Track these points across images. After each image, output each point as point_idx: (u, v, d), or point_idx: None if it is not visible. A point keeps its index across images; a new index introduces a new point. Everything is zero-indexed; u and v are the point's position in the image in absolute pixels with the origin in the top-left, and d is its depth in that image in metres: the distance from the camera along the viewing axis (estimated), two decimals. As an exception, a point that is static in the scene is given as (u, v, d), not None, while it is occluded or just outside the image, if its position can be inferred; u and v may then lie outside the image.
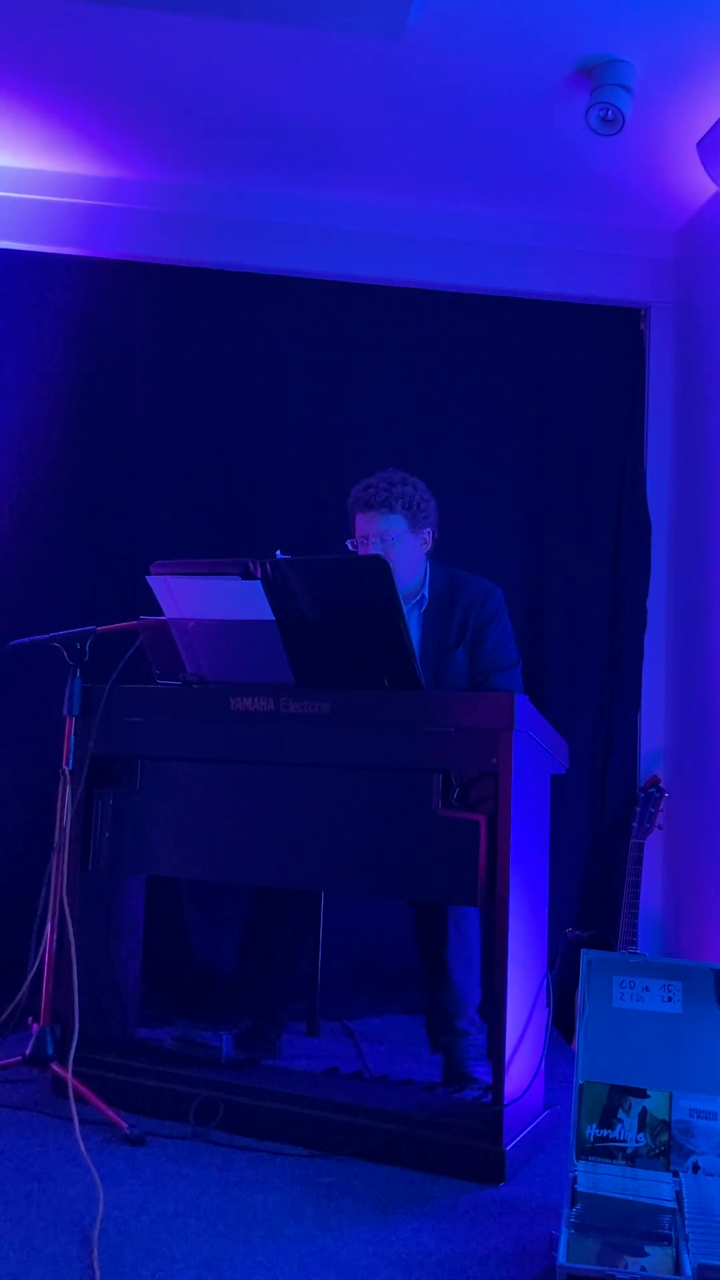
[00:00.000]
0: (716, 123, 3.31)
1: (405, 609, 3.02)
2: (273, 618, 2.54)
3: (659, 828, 3.70)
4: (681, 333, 4.02)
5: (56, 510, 3.82)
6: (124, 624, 2.78)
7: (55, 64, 3.29)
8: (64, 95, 3.44)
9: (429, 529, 3.12)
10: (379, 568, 2.47)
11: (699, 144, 3.38)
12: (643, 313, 4.11)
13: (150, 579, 2.64)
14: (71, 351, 3.88)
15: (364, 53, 3.16)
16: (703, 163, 3.38)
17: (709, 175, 3.41)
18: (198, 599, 2.62)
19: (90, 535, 3.82)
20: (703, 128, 3.38)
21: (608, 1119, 2.07)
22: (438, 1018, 2.93)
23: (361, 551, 3.05)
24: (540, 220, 4.01)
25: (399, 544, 3.04)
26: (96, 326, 3.91)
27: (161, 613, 2.68)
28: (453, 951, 2.89)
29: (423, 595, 3.11)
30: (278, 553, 2.53)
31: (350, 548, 3.09)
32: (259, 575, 2.51)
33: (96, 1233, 1.98)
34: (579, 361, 4.07)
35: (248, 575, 2.51)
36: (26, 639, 2.82)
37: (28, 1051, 2.61)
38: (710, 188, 3.62)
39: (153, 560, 2.70)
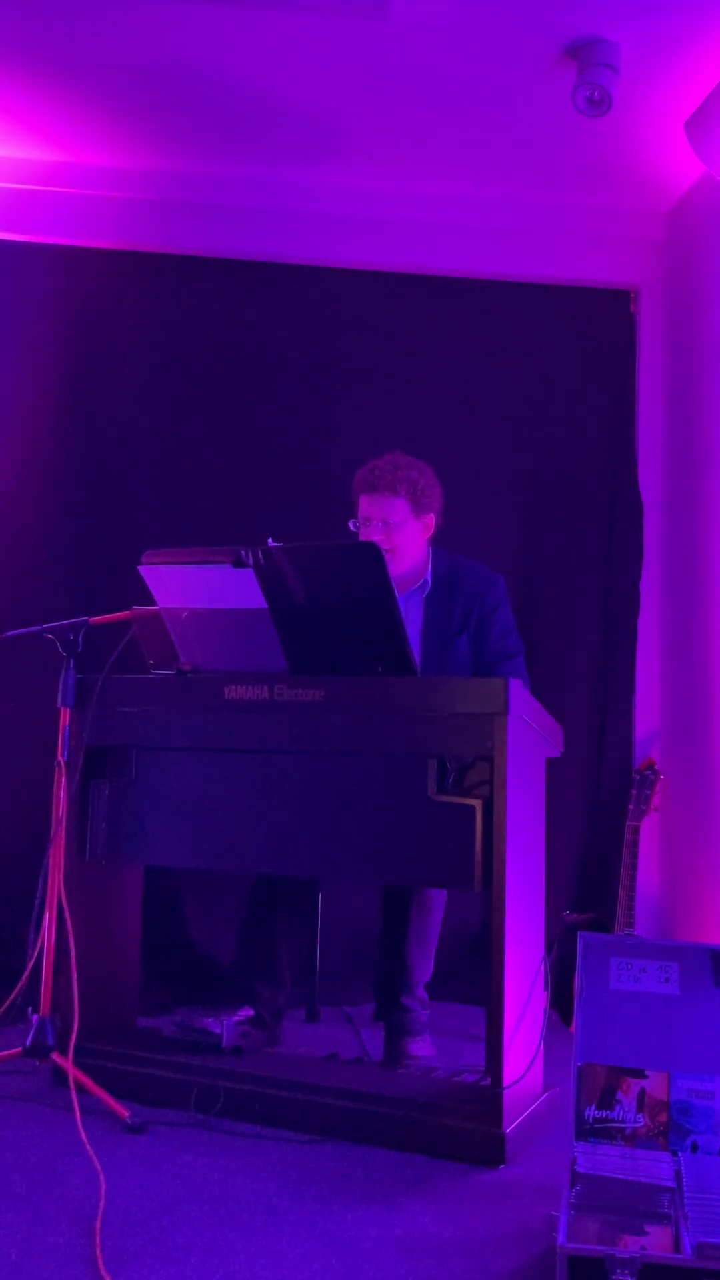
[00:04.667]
0: (704, 102, 3.30)
1: (407, 595, 3.04)
2: (265, 606, 2.53)
3: (655, 809, 3.70)
4: (671, 313, 4.02)
5: (50, 501, 3.81)
6: (116, 615, 2.77)
7: (39, 50, 3.27)
8: (48, 82, 3.42)
9: (433, 514, 3.11)
10: (371, 554, 2.47)
11: (686, 123, 3.37)
12: (632, 294, 4.11)
13: (142, 569, 2.63)
14: (61, 341, 3.87)
15: (350, 35, 3.14)
16: (690, 142, 3.37)
17: (697, 154, 3.39)
18: (190, 588, 2.61)
19: (84, 525, 3.82)
20: (690, 107, 3.37)
21: (606, 1100, 2.08)
22: (386, 990, 3.00)
23: (363, 533, 3.05)
24: (530, 202, 4.00)
25: (401, 527, 3.03)
26: (86, 316, 3.90)
27: (155, 602, 2.68)
28: (412, 931, 2.94)
29: (425, 581, 3.11)
30: (269, 540, 2.53)
31: (352, 529, 3.09)
32: (250, 563, 2.50)
33: (99, 1222, 1.98)
34: (569, 344, 4.06)
35: (239, 563, 2.51)
36: (19, 631, 2.81)
37: (28, 1042, 2.61)
38: (699, 167, 3.61)
39: (147, 549, 2.70)
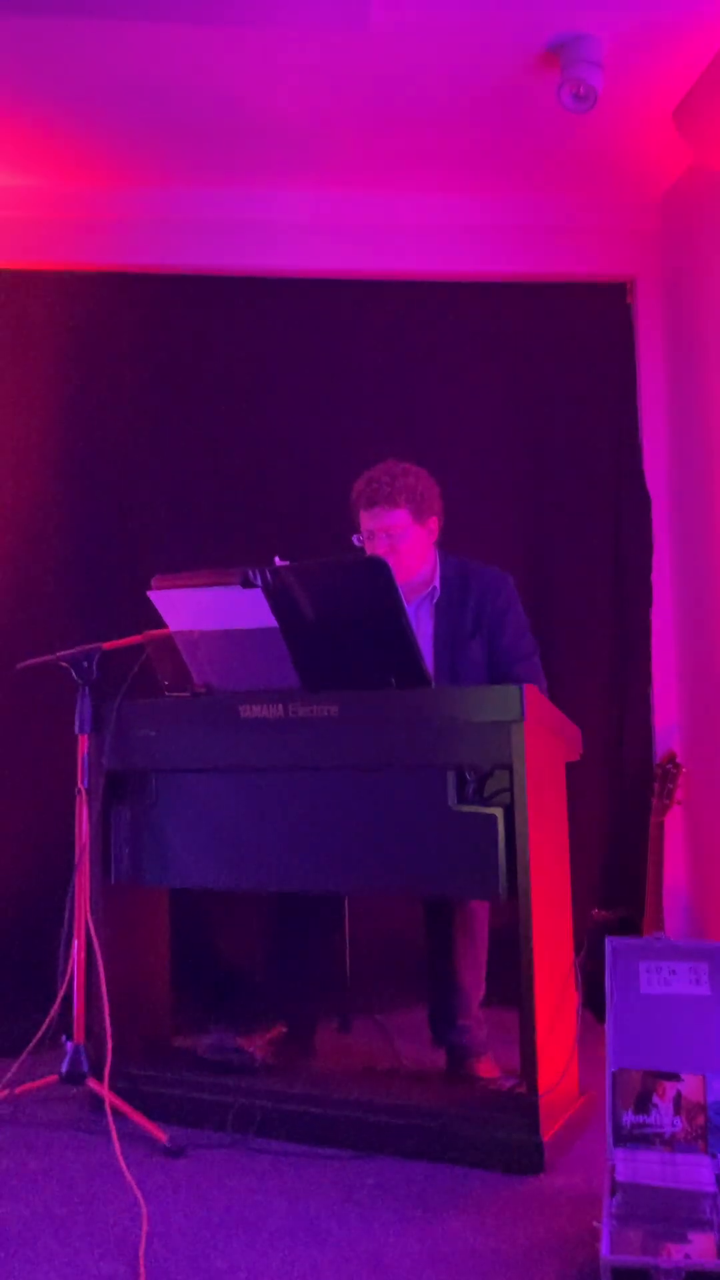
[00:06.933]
0: (691, 89, 3.28)
1: (417, 602, 3.04)
2: (275, 624, 2.53)
3: (679, 803, 3.69)
4: (669, 303, 4.00)
5: (55, 527, 3.81)
6: (129, 639, 2.78)
7: (24, 78, 3.27)
8: (34, 109, 3.43)
9: (434, 517, 3.10)
10: (379, 569, 2.46)
11: (674, 112, 3.35)
12: (628, 286, 4.09)
13: (152, 594, 2.63)
14: (58, 366, 3.87)
15: (333, 47, 3.13)
16: (680, 131, 3.35)
17: (687, 142, 3.37)
18: (200, 610, 2.62)
19: (91, 550, 3.81)
20: (677, 95, 3.34)
21: (643, 1105, 2.07)
22: (441, 1013, 2.96)
23: (369, 547, 3.04)
24: (521, 201, 3.99)
25: (405, 537, 3.02)
26: (84, 339, 3.89)
27: (166, 625, 2.69)
28: (459, 950, 2.91)
29: (434, 587, 3.10)
30: (276, 559, 2.53)
31: (357, 544, 3.08)
32: (259, 583, 2.50)
33: (142, 1248, 1.99)
34: (568, 339, 4.05)
35: (247, 584, 2.51)
36: (34, 660, 2.82)
37: (63, 1069, 2.62)
38: (689, 155, 3.58)
39: (154, 571, 2.70)
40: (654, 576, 3.96)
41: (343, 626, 2.53)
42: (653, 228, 4.04)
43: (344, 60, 3.20)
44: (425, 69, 3.25)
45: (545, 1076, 2.36)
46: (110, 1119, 2.44)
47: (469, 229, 3.98)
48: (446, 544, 3.23)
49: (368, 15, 2.96)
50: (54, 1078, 2.63)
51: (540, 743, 2.48)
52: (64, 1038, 2.66)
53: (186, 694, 2.72)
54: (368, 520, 3.04)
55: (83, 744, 2.74)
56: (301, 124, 3.53)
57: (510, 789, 2.39)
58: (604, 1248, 1.74)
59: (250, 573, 2.50)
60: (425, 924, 3.02)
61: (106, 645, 2.76)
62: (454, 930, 2.90)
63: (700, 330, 3.71)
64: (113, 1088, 2.54)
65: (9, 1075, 2.70)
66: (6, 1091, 2.66)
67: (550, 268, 4.01)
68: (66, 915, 2.68)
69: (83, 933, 2.65)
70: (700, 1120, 2.05)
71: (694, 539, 3.80)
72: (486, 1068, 2.87)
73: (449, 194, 3.95)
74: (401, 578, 2.87)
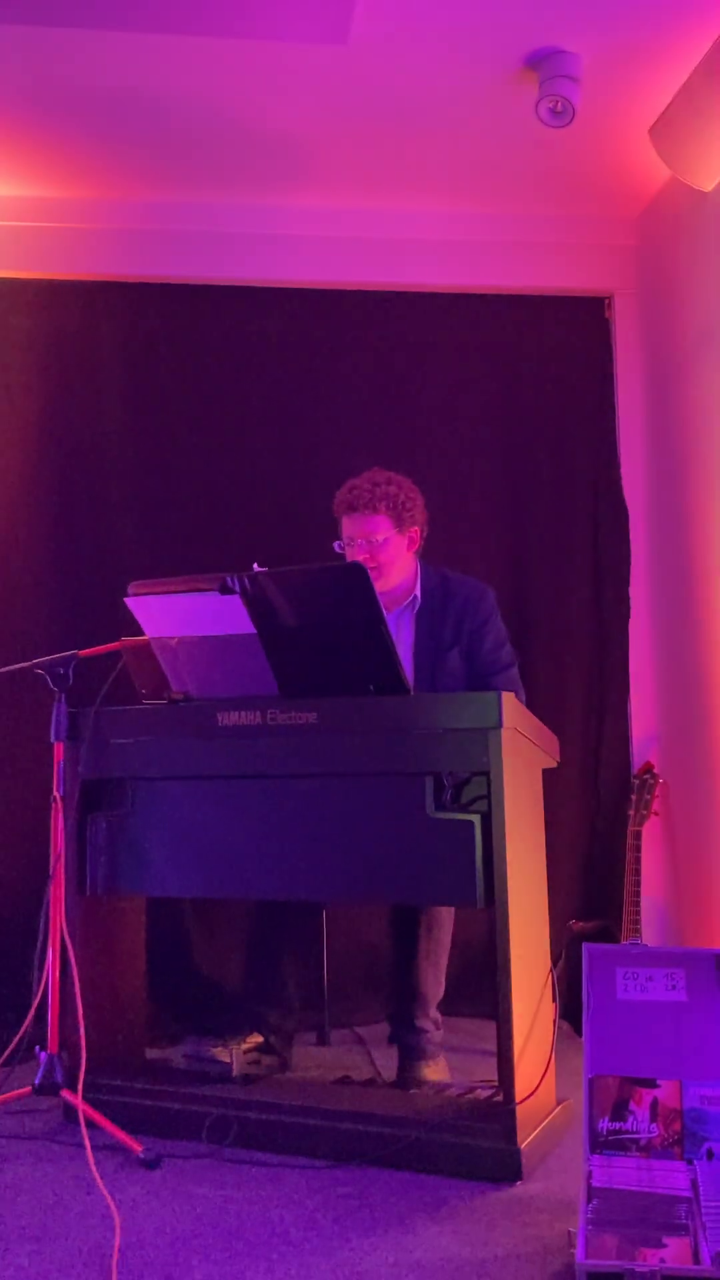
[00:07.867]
0: (667, 107, 3.31)
1: (397, 612, 3.06)
2: (254, 631, 2.53)
3: (656, 813, 3.70)
4: (646, 318, 4.03)
5: (33, 536, 3.80)
6: (106, 646, 2.77)
7: (10, 87, 3.28)
8: (15, 117, 3.43)
9: (416, 527, 3.12)
10: (358, 575, 2.46)
11: (651, 130, 3.38)
12: (607, 300, 4.12)
13: (128, 600, 2.63)
14: (40, 374, 3.87)
15: (314, 60, 3.15)
16: (656, 148, 3.38)
17: (663, 160, 3.41)
18: (178, 616, 2.61)
19: (70, 558, 3.81)
20: (654, 113, 3.38)
21: (619, 1111, 2.07)
22: (399, 1012, 2.97)
23: (349, 553, 3.06)
24: (500, 214, 4.02)
25: (385, 545, 3.04)
26: (63, 348, 3.89)
27: (143, 633, 2.68)
28: (421, 950, 2.93)
29: (415, 596, 3.11)
30: (255, 565, 2.53)
31: (338, 550, 3.10)
32: (237, 589, 2.50)
33: (115, 1262, 1.96)
34: (548, 353, 4.08)
35: (226, 590, 2.50)
36: (9, 668, 2.81)
37: (37, 1080, 2.59)
38: (666, 172, 3.62)
39: (134, 579, 2.69)
40: (632, 588, 3.99)
41: (321, 633, 2.52)
42: (631, 243, 4.08)
43: (326, 73, 3.22)
44: (405, 83, 3.28)
45: (522, 1085, 2.35)
46: (84, 1130, 2.41)
47: (449, 242, 4.01)
48: (426, 554, 3.24)
49: (348, 29, 2.98)
50: (28, 1089, 2.60)
51: (518, 749, 2.48)
52: (38, 1049, 2.63)
53: (164, 701, 2.71)
54: (348, 526, 3.06)
55: (58, 752, 2.72)
56: (285, 136, 3.55)
57: (488, 796, 2.39)
58: (579, 1253, 1.73)
59: (229, 579, 2.50)
60: (390, 925, 3.02)
61: (83, 652, 2.75)
62: (418, 933, 2.91)
63: (676, 344, 3.74)
64: (87, 1098, 2.51)
65: (-18, 1086, 2.67)
66: (-21, 1103, 2.63)
67: (530, 281, 4.04)
68: (41, 925, 2.66)
69: (57, 943, 2.63)
70: (676, 1126, 2.05)
71: (671, 550, 3.82)
72: (435, 1071, 2.87)
73: (429, 207, 3.98)
74: (381, 586, 2.88)
